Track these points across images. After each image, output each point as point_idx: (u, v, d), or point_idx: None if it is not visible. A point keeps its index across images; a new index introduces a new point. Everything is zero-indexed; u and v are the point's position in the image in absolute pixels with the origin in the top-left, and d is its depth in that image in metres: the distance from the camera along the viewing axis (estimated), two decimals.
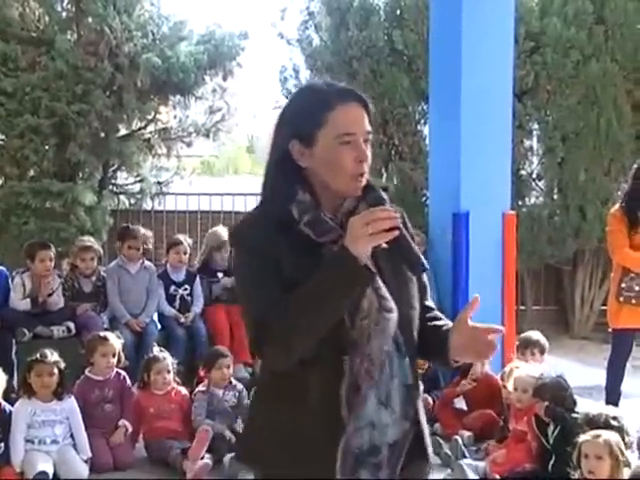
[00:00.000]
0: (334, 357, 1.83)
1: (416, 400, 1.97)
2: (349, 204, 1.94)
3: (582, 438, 3.85)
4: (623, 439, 3.93)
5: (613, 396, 5.57)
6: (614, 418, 4.12)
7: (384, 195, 1.93)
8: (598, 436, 3.79)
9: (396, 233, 1.76)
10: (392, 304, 1.90)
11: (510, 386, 4.89)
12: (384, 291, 1.90)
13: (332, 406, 1.83)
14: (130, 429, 5.06)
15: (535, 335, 5.64)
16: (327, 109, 1.88)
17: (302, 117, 1.91)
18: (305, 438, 1.85)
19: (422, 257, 1.87)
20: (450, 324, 2.02)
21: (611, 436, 3.82)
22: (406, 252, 1.85)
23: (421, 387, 2.05)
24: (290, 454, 1.88)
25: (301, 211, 1.89)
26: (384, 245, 1.83)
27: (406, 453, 1.95)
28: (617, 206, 5.63)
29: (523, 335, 5.69)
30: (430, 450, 2.04)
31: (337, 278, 1.77)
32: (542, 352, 5.54)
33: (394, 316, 1.90)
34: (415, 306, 1.98)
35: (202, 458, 4.82)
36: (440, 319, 2.09)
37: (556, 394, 4.52)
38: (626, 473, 3.82)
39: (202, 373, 5.42)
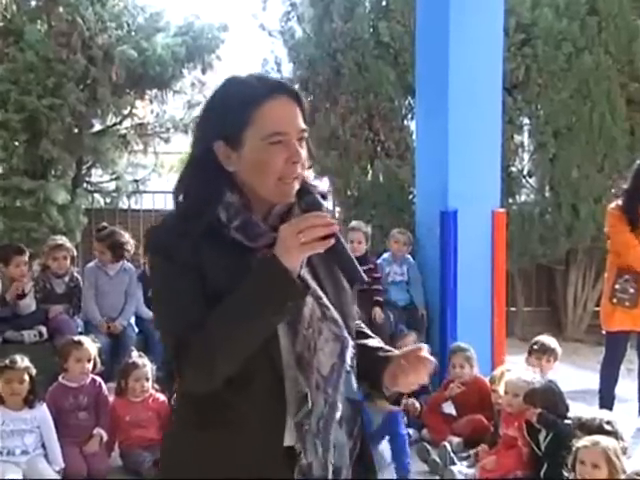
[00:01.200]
0: (275, 373, 1.71)
1: (360, 415, 1.87)
2: (281, 208, 1.80)
3: (580, 443, 3.82)
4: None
5: (607, 400, 5.55)
6: (608, 423, 4.11)
7: (320, 199, 1.78)
8: (596, 443, 3.76)
9: (332, 242, 1.64)
10: (335, 314, 1.79)
11: (501, 390, 4.85)
12: (325, 300, 1.79)
13: (275, 430, 1.71)
14: (105, 438, 4.97)
15: (552, 342, 5.55)
16: (254, 106, 1.71)
17: (227, 115, 1.73)
18: (247, 471, 1.71)
19: (359, 268, 1.74)
20: (378, 343, 1.94)
21: (609, 443, 3.78)
22: (344, 261, 1.74)
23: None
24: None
25: (230, 214, 1.73)
26: (321, 251, 1.72)
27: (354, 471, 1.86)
28: (615, 204, 5.57)
29: (539, 341, 5.56)
30: (377, 466, 1.95)
31: (266, 293, 1.63)
32: (555, 359, 5.50)
33: (337, 327, 1.79)
34: (354, 316, 1.89)
35: None
36: (369, 336, 1.99)
37: (548, 400, 4.45)
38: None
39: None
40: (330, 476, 1.76)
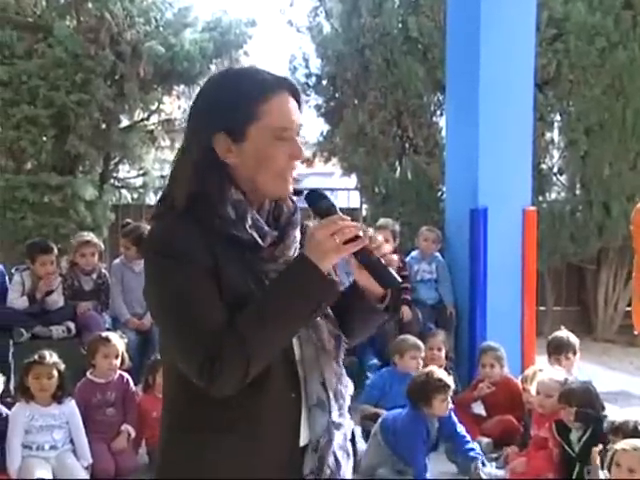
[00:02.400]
0: (289, 373, 1.71)
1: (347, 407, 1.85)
2: (269, 204, 1.79)
3: (618, 446, 3.75)
4: None
5: None
6: None
7: (332, 200, 1.73)
8: (636, 448, 3.67)
9: (365, 242, 1.65)
10: (330, 311, 1.79)
11: (533, 390, 4.78)
12: None
13: (292, 430, 1.71)
14: (133, 434, 4.98)
15: (565, 336, 5.48)
16: (261, 100, 1.70)
17: (231, 108, 1.70)
18: (259, 473, 1.69)
19: (392, 271, 1.72)
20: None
21: None
22: (376, 268, 1.70)
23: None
24: None
25: (240, 212, 1.70)
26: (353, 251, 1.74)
27: None
28: None
29: (553, 339, 5.51)
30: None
31: (305, 295, 1.61)
32: (574, 353, 5.41)
33: (329, 321, 1.79)
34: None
35: None
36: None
37: (585, 400, 4.40)
38: None
39: None
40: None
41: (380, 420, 4.81)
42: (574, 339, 5.44)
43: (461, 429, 4.76)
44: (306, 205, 1.72)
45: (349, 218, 1.66)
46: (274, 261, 1.72)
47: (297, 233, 1.78)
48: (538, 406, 4.67)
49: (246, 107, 1.69)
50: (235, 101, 1.70)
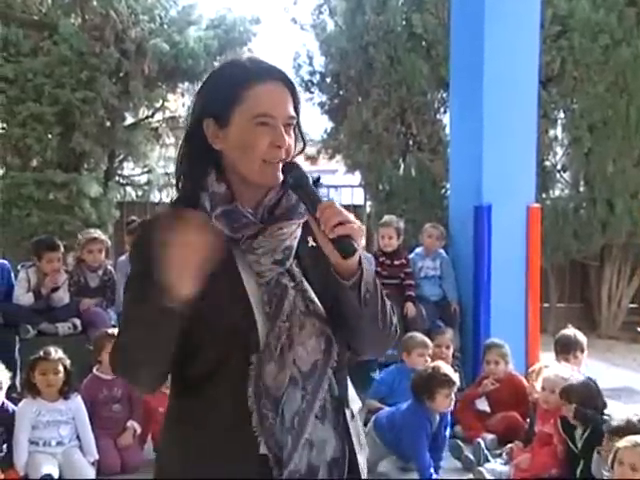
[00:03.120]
0: (243, 365, 1.67)
1: (346, 414, 1.79)
2: (271, 197, 1.76)
3: (620, 443, 3.72)
4: None
5: None
6: None
7: (306, 173, 1.72)
8: (637, 445, 3.64)
9: (203, 260, 1.56)
10: (322, 310, 1.74)
11: (538, 386, 4.76)
12: (311, 294, 1.74)
13: (239, 422, 1.66)
14: (139, 430, 4.98)
15: (572, 334, 5.43)
16: (245, 86, 1.71)
17: (218, 94, 1.73)
18: (209, 468, 1.67)
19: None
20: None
21: None
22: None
23: (355, 401, 1.84)
24: None
25: (214, 202, 1.72)
26: (312, 243, 1.74)
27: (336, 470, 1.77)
28: None
29: (560, 338, 5.46)
30: (364, 470, 1.82)
31: (153, 317, 1.60)
32: (582, 351, 5.37)
33: (323, 322, 1.74)
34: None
35: None
36: None
37: (584, 396, 4.38)
38: None
39: None
40: (305, 474, 1.70)
41: (373, 418, 4.79)
42: (582, 337, 5.40)
43: (447, 433, 4.74)
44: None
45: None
46: (252, 253, 1.71)
47: (291, 227, 1.74)
48: (542, 402, 4.66)
49: (231, 92, 1.71)
50: (222, 87, 1.73)
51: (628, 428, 3.89)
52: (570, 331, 5.48)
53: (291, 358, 1.69)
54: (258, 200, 1.75)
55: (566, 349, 5.30)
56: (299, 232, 1.76)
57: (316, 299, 1.74)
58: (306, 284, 1.74)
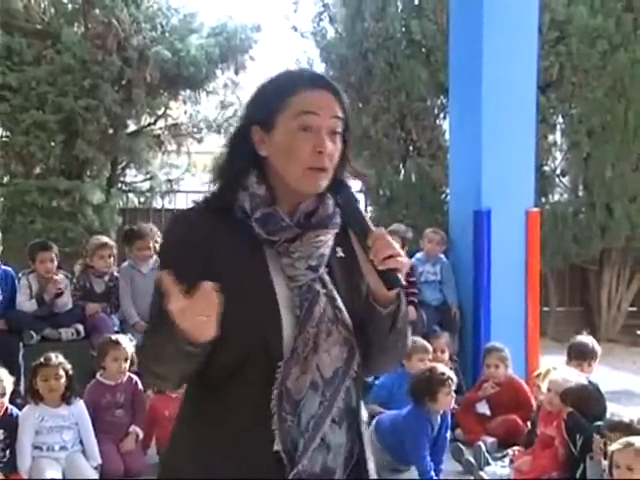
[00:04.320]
0: (266, 368, 1.68)
1: (360, 423, 1.83)
2: (308, 204, 1.77)
3: (613, 446, 3.73)
4: None
5: None
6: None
7: (356, 194, 1.78)
8: (629, 445, 3.64)
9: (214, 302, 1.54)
10: (349, 320, 1.76)
11: (544, 387, 4.74)
12: (340, 302, 1.76)
13: (261, 423, 1.68)
14: (141, 435, 5.00)
15: (589, 344, 5.36)
16: (291, 93, 1.74)
17: (265, 101, 1.77)
18: (229, 465, 1.69)
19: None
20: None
21: None
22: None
23: (364, 408, 1.87)
24: None
25: (254, 204, 1.74)
26: (340, 254, 1.78)
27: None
28: None
29: (577, 346, 5.35)
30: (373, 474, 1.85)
31: (172, 352, 1.61)
32: (596, 360, 5.31)
33: (348, 332, 1.76)
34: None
35: None
36: None
37: (580, 400, 4.37)
38: None
39: None
40: (320, 476, 1.72)
41: (374, 422, 4.79)
42: (597, 347, 5.34)
43: (447, 436, 4.76)
44: None
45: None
46: (287, 256, 1.73)
47: (327, 235, 1.76)
48: (546, 403, 4.64)
49: (277, 98, 1.74)
50: (269, 94, 1.77)
51: (623, 427, 3.92)
52: (587, 339, 5.42)
53: (315, 363, 1.71)
54: (295, 206, 1.76)
55: (582, 356, 5.23)
56: (332, 241, 1.78)
57: (344, 308, 1.76)
58: (335, 293, 1.76)
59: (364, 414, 1.86)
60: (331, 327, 1.73)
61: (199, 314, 1.53)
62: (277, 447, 1.68)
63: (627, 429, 3.89)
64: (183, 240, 1.71)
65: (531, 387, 5.32)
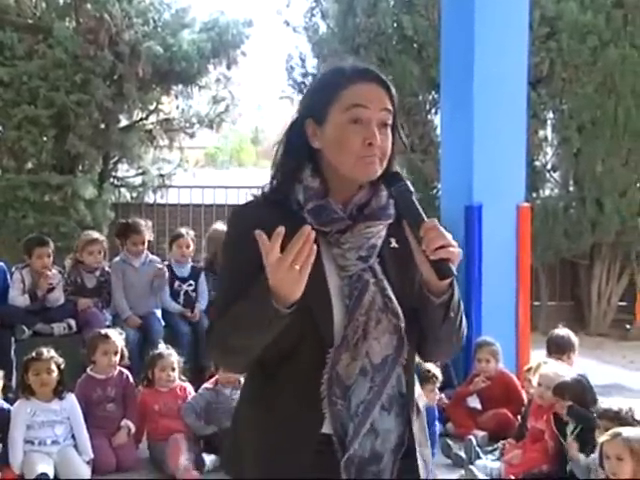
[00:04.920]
0: (318, 353, 1.74)
1: (410, 411, 1.86)
2: (361, 196, 1.82)
3: (602, 438, 3.74)
4: None
5: None
6: (629, 411, 3.98)
7: (410, 185, 1.80)
8: (617, 435, 3.66)
9: (311, 242, 1.60)
10: (398, 309, 1.80)
11: (535, 381, 4.77)
12: (390, 292, 1.81)
13: (312, 406, 1.74)
14: (133, 429, 4.99)
15: (566, 335, 5.44)
16: (342, 87, 1.79)
17: (317, 94, 1.84)
18: (286, 448, 1.76)
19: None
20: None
21: (631, 433, 3.67)
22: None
23: (420, 397, 1.94)
24: (267, 464, 1.79)
25: (307, 196, 1.80)
26: (394, 244, 1.80)
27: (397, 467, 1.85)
28: None
29: (554, 338, 5.46)
30: (426, 462, 1.90)
31: (261, 320, 1.66)
32: (574, 352, 5.40)
33: (398, 320, 1.80)
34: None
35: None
36: None
37: (577, 393, 4.41)
38: None
39: (214, 370, 5.37)
40: (369, 460, 1.77)
41: None
42: (574, 338, 5.42)
43: (436, 429, 4.79)
44: None
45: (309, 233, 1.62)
46: (338, 247, 1.78)
47: (378, 227, 1.80)
48: (537, 397, 4.68)
49: (328, 91, 1.80)
50: (321, 88, 1.84)
51: (612, 415, 3.94)
52: (563, 331, 5.49)
53: (364, 350, 1.76)
54: (349, 197, 1.81)
55: (560, 349, 5.31)
56: (384, 232, 1.82)
57: (394, 297, 1.80)
58: (386, 282, 1.81)
59: (420, 403, 1.92)
60: (381, 315, 1.78)
61: (295, 263, 1.58)
62: (327, 430, 1.75)
63: (616, 417, 3.92)
64: (243, 234, 1.73)
65: (521, 381, 5.35)
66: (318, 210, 1.78)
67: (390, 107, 1.80)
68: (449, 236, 1.72)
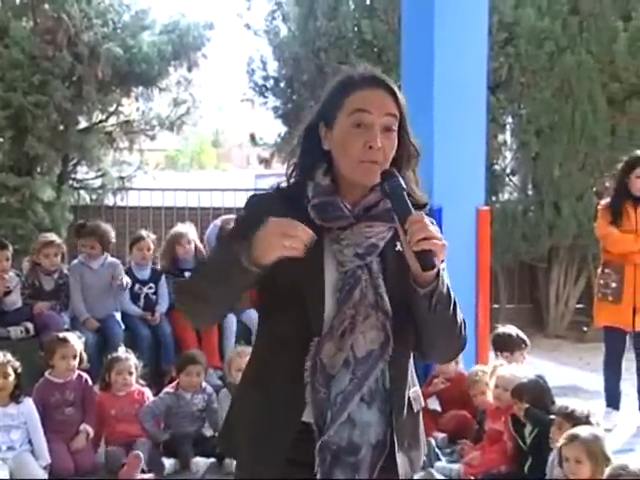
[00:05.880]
0: (306, 340, 1.83)
1: (393, 406, 1.91)
2: (370, 199, 1.90)
3: (560, 441, 3.77)
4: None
5: (612, 397, 5.51)
6: (581, 413, 4.03)
7: (402, 182, 1.84)
8: (575, 438, 3.69)
9: (301, 253, 1.73)
10: (389, 307, 1.87)
11: (491, 384, 4.79)
12: (383, 290, 1.88)
13: (295, 390, 1.84)
14: (92, 434, 4.94)
15: (514, 333, 5.46)
16: (348, 93, 1.89)
17: (327, 101, 1.94)
18: (268, 427, 1.87)
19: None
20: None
21: (588, 435, 3.70)
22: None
23: (417, 399, 1.99)
24: (255, 445, 1.90)
25: (315, 193, 1.90)
26: (399, 248, 1.86)
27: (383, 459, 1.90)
28: (604, 201, 5.68)
29: (500, 336, 5.49)
30: (400, 469, 1.93)
31: (230, 268, 1.80)
32: (523, 349, 5.38)
33: (386, 318, 1.87)
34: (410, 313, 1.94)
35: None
36: None
37: (535, 395, 4.43)
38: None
39: (174, 374, 5.37)
40: (345, 449, 1.84)
41: None
42: (523, 335, 5.44)
43: None
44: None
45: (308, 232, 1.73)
46: (337, 243, 1.87)
47: (380, 227, 1.87)
48: (495, 399, 4.69)
49: (337, 98, 1.90)
50: (331, 95, 1.94)
51: (566, 415, 4.00)
52: (510, 329, 5.52)
53: (349, 343, 1.84)
54: (358, 199, 1.90)
55: (507, 347, 5.33)
56: (389, 234, 1.89)
57: (386, 296, 1.87)
58: (381, 281, 1.88)
59: (415, 405, 1.97)
60: (370, 311, 1.86)
61: (289, 234, 1.71)
62: (308, 417, 1.84)
63: (570, 415, 3.97)
64: (250, 218, 1.87)
65: (467, 387, 5.34)
66: (324, 206, 1.87)
67: (396, 112, 1.88)
68: (435, 229, 1.76)
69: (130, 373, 5.09)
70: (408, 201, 1.81)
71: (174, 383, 5.19)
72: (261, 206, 1.91)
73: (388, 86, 1.90)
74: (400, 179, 1.83)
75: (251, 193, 2.05)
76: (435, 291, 1.78)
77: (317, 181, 1.90)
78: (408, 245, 1.77)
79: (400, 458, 1.89)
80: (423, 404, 2.03)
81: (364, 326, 1.85)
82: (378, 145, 1.84)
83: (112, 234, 6.27)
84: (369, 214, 1.88)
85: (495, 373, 4.80)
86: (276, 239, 1.72)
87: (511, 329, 5.54)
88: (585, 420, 3.93)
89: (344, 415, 1.82)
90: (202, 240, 6.58)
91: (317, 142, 1.93)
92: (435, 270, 1.77)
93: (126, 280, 6.08)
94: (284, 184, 1.98)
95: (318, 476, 1.83)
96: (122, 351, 5.24)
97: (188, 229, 6.44)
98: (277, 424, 1.86)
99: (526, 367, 5.10)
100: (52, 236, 6.37)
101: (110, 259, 6.24)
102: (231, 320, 6.01)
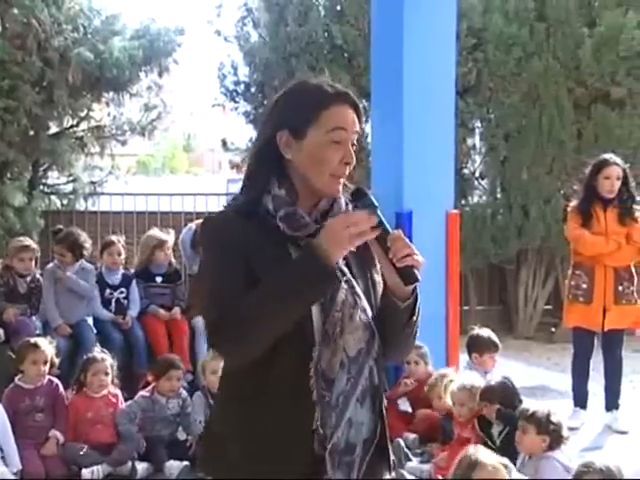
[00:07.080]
0: (301, 350, 1.85)
1: (382, 401, 1.99)
2: (325, 204, 1.96)
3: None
4: (560, 437, 3.98)
5: (580, 397, 5.56)
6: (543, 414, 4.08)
7: (374, 200, 1.91)
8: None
9: (376, 232, 1.81)
10: (367, 305, 1.93)
11: (449, 400, 4.81)
12: (359, 290, 1.93)
13: (302, 399, 1.85)
14: (62, 439, 4.88)
15: (487, 335, 5.50)
16: (323, 108, 1.92)
17: (296, 111, 1.94)
18: (270, 437, 1.86)
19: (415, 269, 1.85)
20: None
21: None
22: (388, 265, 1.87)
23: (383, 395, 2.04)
24: (254, 457, 1.88)
25: (276, 205, 1.91)
26: (352, 249, 1.89)
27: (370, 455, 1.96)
28: (573, 203, 5.71)
29: (474, 338, 5.53)
30: (391, 453, 2.03)
31: (308, 277, 1.79)
32: (495, 351, 5.44)
33: (367, 316, 1.93)
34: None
35: None
36: None
37: (504, 396, 4.49)
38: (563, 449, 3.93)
39: (150, 379, 5.30)
40: (343, 450, 1.87)
41: None
42: (495, 337, 5.49)
43: None
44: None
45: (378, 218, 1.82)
46: None
47: None
48: (457, 416, 4.71)
49: (310, 112, 1.91)
50: (302, 105, 1.93)
51: (534, 416, 4.06)
52: (484, 331, 5.56)
53: (342, 345, 1.88)
54: (313, 205, 1.95)
55: (481, 349, 5.38)
56: None
57: (362, 295, 1.93)
58: (354, 281, 1.93)
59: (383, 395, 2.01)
60: (352, 311, 1.90)
61: (353, 223, 1.76)
62: (316, 424, 1.84)
63: (531, 417, 4.03)
64: (228, 242, 1.87)
65: (424, 396, 5.31)
66: (288, 216, 1.90)
67: (359, 129, 1.95)
68: (413, 246, 1.84)
69: (106, 374, 5.06)
70: (383, 219, 1.87)
71: (149, 387, 5.17)
72: (229, 227, 1.90)
73: (355, 103, 1.96)
74: (372, 197, 1.89)
75: (214, 211, 2.04)
76: (415, 306, 1.88)
77: (274, 193, 1.92)
78: (387, 261, 1.83)
79: (392, 453, 2.00)
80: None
81: (351, 326, 1.89)
82: (354, 162, 1.92)
83: (87, 243, 6.22)
84: (327, 219, 1.91)
85: (448, 389, 4.83)
86: (344, 234, 1.77)
87: (485, 331, 5.58)
88: (546, 421, 4.00)
89: (346, 416, 1.88)
90: (176, 244, 6.60)
91: (273, 150, 1.94)
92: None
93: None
94: (234, 201, 1.99)
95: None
96: (97, 352, 5.20)
97: (169, 237, 6.48)
98: (292, 438, 1.86)
99: (490, 367, 5.16)
100: (27, 240, 6.34)
101: (85, 264, 6.22)
102: (202, 323, 6.02)
